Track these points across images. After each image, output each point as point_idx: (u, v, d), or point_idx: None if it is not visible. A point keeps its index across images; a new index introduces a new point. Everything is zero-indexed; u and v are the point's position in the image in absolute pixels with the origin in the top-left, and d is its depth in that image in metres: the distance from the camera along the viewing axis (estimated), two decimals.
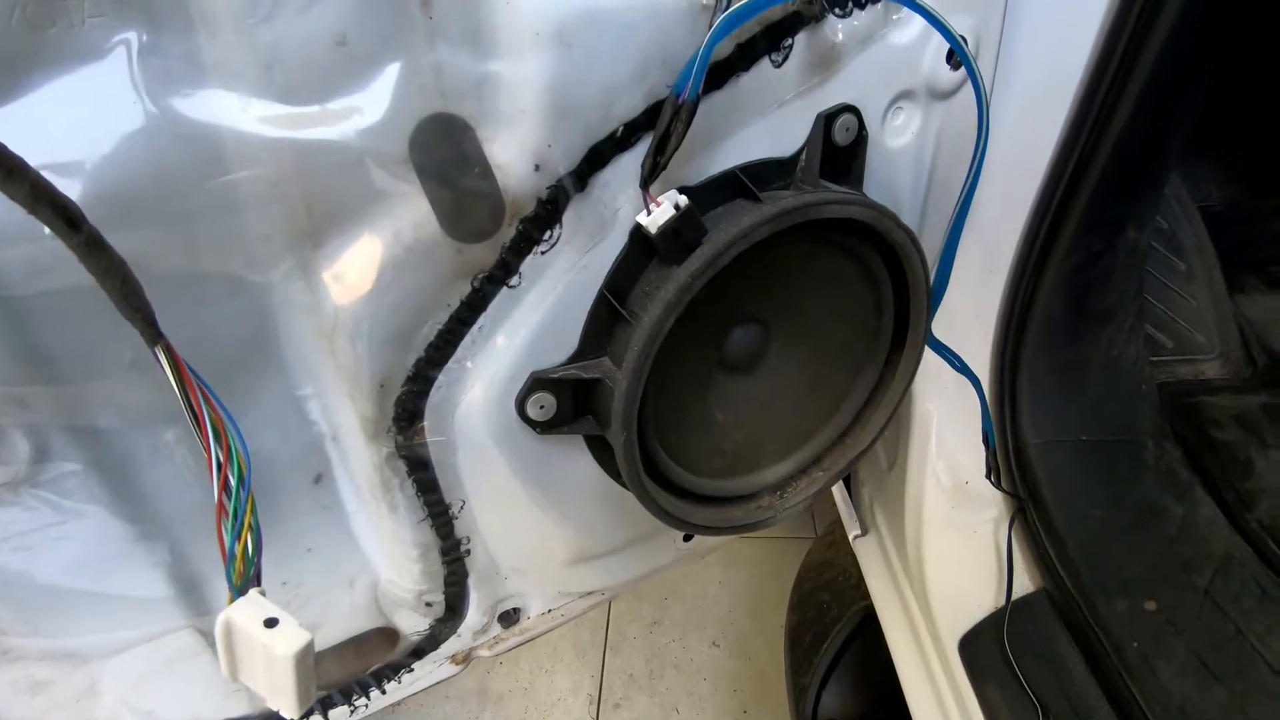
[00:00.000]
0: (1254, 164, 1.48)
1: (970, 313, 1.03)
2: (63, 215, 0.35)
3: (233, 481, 0.45)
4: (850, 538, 1.28)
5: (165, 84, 0.45)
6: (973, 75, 0.60)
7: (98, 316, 0.47)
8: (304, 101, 0.48)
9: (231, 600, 0.42)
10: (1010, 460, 1.04)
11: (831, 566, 1.50)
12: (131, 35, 0.43)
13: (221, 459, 0.45)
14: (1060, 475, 1.02)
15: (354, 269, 0.55)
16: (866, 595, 1.28)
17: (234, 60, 0.46)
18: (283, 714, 0.43)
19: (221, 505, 0.44)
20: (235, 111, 0.47)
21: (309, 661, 0.41)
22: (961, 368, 0.89)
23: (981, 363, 1.04)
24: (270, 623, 0.41)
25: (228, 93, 0.46)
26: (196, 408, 0.44)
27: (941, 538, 1.07)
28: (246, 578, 0.43)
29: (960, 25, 0.67)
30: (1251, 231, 1.39)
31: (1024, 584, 1.00)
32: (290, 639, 0.40)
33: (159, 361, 0.42)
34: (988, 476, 1.00)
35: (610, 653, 2.41)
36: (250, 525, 0.44)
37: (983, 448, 1.00)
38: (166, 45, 0.45)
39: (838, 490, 1.34)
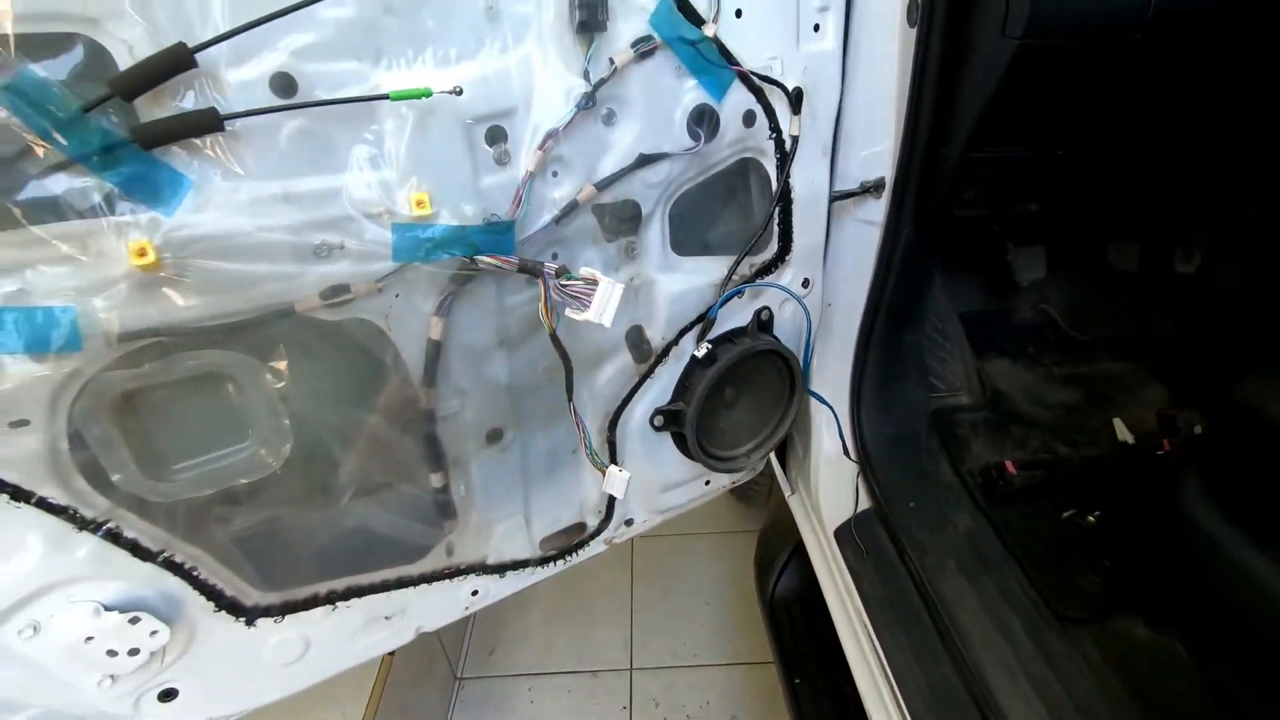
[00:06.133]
0: (996, 280, 2.66)
1: (841, 373, 2.15)
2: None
3: (586, 444, 1.51)
4: (786, 496, 2.36)
5: None
6: (804, 310, 1.72)
7: (537, 376, 1.54)
8: None
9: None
10: (859, 446, 2.15)
11: (778, 520, 2.57)
12: None
13: (580, 436, 1.51)
14: (880, 452, 2.11)
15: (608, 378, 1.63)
16: (798, 533, 2.35)
17: None
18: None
19: (585, 450, 1.50)
20: None
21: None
22: (821, 401, 1.99)
23: (844, 396, 2.15)
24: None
25: None
26: (574, 414, 1.50)
27: (828, 488, 2.16)
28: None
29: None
30: (992, 325, 2.56)
31: (864, 504, 2.09)
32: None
33: (569, 403, 1.49)
34: (845, 454, 2.10)
35: (635, 612, 3.41)
36: (588, 451, 1.49)
37: (842, 440, 2.10)
38: None
39: (779, 470, 2.43)
